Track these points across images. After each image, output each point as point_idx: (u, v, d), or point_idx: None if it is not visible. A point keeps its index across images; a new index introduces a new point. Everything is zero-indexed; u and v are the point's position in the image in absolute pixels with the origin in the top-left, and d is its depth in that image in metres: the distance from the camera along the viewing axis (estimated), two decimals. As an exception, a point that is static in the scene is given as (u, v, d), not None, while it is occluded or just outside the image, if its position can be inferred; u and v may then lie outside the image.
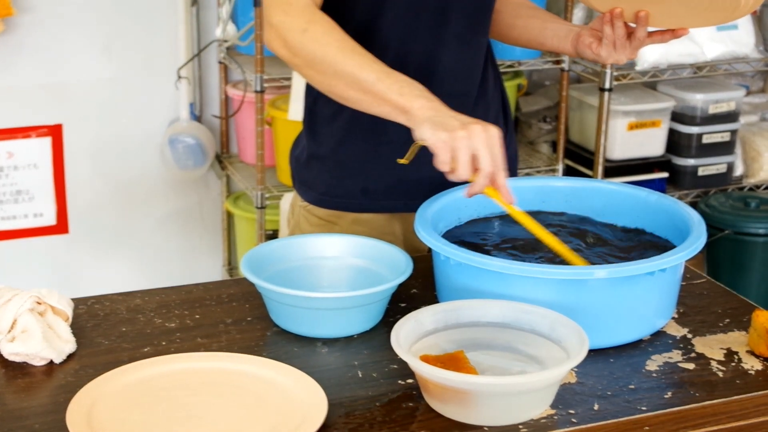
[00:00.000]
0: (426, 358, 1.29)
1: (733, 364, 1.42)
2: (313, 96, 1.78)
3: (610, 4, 1.63)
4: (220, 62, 3.33)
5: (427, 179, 1.71)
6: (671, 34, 1.65)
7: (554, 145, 3.46)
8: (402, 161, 1.51)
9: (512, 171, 1.88)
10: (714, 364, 1.42)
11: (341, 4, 1.68)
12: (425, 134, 1.43)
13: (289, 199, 3.09)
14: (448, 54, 1.72)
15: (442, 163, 1.42)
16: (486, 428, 1.26)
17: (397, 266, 1.54)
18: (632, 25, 1.65)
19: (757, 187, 3.54)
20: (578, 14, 3.34)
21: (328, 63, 1.52)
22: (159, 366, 1.36)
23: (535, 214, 1.70)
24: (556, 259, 1.55)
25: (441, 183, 1.62)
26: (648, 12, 1.61)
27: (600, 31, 1.68)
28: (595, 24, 1.69)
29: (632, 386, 1.36)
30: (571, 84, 3.41)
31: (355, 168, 1.76)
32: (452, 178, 1.44)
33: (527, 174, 3.28)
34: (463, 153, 1.41)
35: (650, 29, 1.65)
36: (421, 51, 1.71)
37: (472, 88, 1.77)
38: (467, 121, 1.43)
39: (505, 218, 1.68)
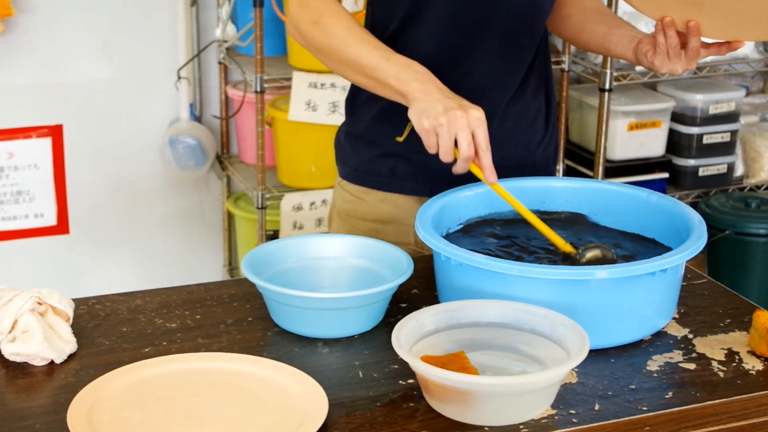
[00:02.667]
0: (427, 359, 1.29)
1: (734, 364, 1.42)
2: None
3: (659, 12, 1.61)
4: (220, 63, 3.33)
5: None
6: (727, 46, 1.63)
7: (554, 146, 3.46)
8: (399, 139, 1.63)
9: (549, 170, 1.89)
10: (715, 364, 1.42)
11: None
12: (412, 118, 1.54)
13: (291, 200, 3.10)
14: (488, 53, 1.74)
15: (428, 147, 1.53)
16: (487, 428, 1.26)
17: (398, 266, 1.54)
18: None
19: (758, 187, 3.54)
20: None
21: (335, 52, 1.63)
22: (160, 366, 1.36)
23: (540, 215, 1.71)
24: (556, 259, 1.55)
25: (466, 173, 1.63)
26: (697, 22, 1.58)
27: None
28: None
29: (633, 386, 1.36)
30: (571, 84, 3.41)
31: (386, 149, 1.80)
32: (441, 158, 1.54)
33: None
34: (444, 139, 1.51)
35: (706, 40, 1.64)
36: (463, 46, 1.73)
37: (509, 88, 1.78)
38: (450, 105, 1.51)
39: (506, 220, 1.69)
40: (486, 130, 1.51)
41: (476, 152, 1.52)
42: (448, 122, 1.49)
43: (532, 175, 1.81)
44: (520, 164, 1.82)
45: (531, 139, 1.84)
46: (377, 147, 1.82)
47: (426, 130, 1.51)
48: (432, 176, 1.78)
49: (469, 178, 1.62)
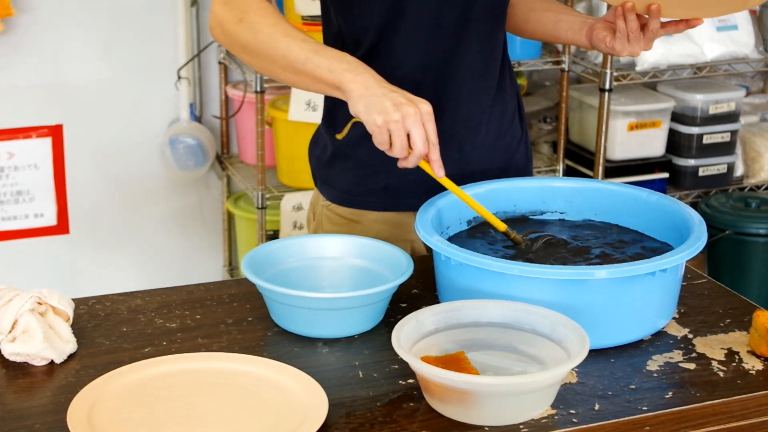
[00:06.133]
0: (427, 359, 1.29)
1: (734, 364, 1.42)
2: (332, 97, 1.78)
3: None
4: (220, 62, 3.33)
5: (449, 177, 1.71)
6: (685, 24, 1.64)
7: (554, 146, 3.46)
8: (339, 136, 1.59)
9: (527, 170, 1.89)
10: (715, 364, 1.42)
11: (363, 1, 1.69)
12: (360, 114, 1.49)
13: (291, 200, 3.10)
14: (469, 52, 1.72)
15: (379, 143, 1.49)
16: (487, 428, 1.26)
17: (398, 266, 1.54)
18: (645, 16, 1.65)
19: (758, 187, 3.54)
20: (580, 6, 3.34)
21: (261, 48, 1.56)
22: (160, 366, 1.36)
23: (539, 215, 1.71)
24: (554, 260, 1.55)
25: (461, 181, 1.62)
26: (660, 4, 1.60)
27: (613, 23, 1.67)
28: (609, 16, 1.69)
29: (633, 386, 1.36)
30: (571, 84, 3.41)
31: (377, 166, 1.76)
32: (390, 154, 1.50)
33: (527, 174, 3.27)
34: (398, 135, 1.47)
35: (663, 20, 1.64)
36: (444, 50, 1.71)
37: (491, 86, 1.77)
38: (399, 100, 1.47)
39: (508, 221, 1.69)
40: (434, 123, 1.48)
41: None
42: (402, 118, 1.45)
43: (515, 176, 1.79)
44: (505, 166, 1.81)
45: (512, 139, 1.84)
46: (367, 166, 1.77)
47: (378, 126, 1.46)
48: (428, 187, 1.75)
49: (463, 182, 1.61)
